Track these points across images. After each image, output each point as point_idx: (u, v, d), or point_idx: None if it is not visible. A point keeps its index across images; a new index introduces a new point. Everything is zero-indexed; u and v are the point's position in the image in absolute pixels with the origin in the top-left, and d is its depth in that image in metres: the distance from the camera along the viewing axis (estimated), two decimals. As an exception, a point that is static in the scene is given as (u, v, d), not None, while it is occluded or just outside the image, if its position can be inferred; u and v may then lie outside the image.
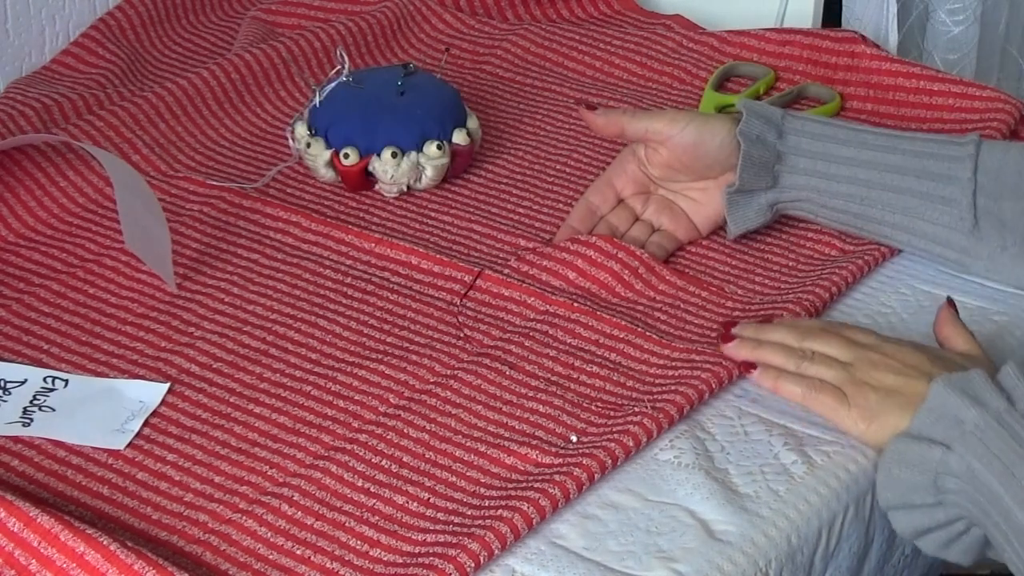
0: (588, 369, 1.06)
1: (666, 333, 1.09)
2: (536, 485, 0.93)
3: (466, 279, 1.15)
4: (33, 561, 0.85)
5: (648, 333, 1.09)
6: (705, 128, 1.17)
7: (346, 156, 1.27)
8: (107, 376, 1.05)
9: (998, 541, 0.91)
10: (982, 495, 0.91)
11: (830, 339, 1.03)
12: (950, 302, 1.06)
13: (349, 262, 1.18)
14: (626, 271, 1.15)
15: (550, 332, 1.09)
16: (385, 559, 0.89)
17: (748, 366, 1.03)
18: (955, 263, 1.16)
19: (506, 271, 1.16)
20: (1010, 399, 0.94)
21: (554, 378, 1.05)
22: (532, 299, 1.13)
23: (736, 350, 1.05)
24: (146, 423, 1.01)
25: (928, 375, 0.97)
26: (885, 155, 1.15)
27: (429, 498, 0.94)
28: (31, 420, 1.00)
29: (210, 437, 0.99)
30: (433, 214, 1.26)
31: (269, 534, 0.91)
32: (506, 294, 1.14)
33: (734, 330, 1.06)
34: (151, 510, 0.93)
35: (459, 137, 1.29)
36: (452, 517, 0.92)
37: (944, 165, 1.14)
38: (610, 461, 0.96)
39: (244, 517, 0.92)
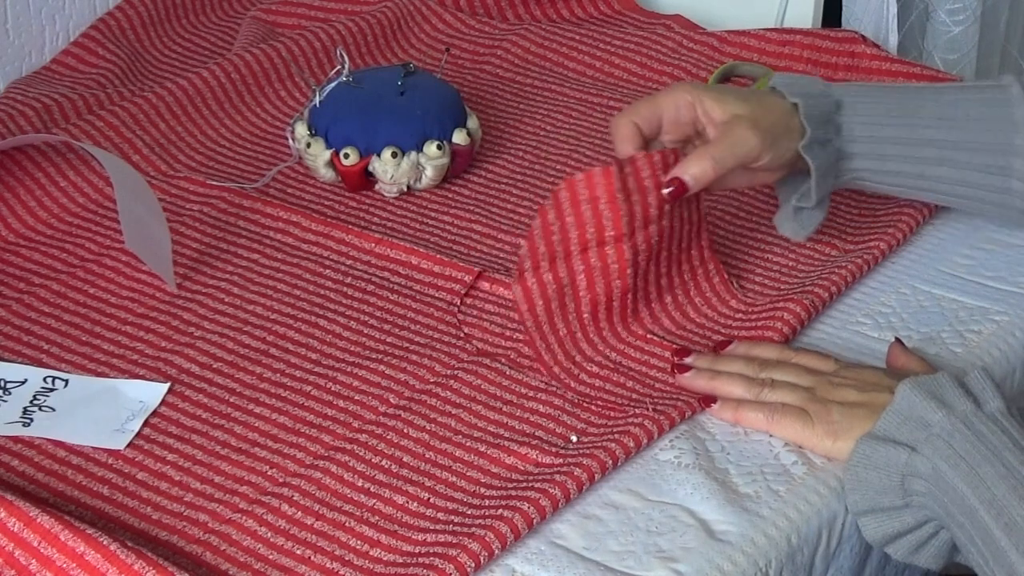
0: (588, 369, 1.06)
1: (667, 333, 1.09)
2: (536, 485, 0.93)
3: (466, 279, 1.15)
4: (33, 561, 0.85)
5: (649, 335, 1.09)
6: (777, 146, 1.10)
7: (346, 156, 1.27)
8: (107, 376, 1.05)
9: (963, 542, 0.91)
10: (948, 497, 0.91)
11: (787, 369, 1.02)
12: (898, 341, 1.07)
13: (349, 262, 1.18)
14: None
15: (550, 332, 1.09)
16: (385, 559, 0.89)
17: (708, 400, 1.02)
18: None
19: (510, 272, 1.16)
20: (977, 401, 0.94)
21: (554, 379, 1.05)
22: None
23: (692, 381, 1.03)
24: (146, 423, 1.01)
25: (890, 388, 0.97)
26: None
27: (429, 498, 0.94)
28: (31, 420, 1.00)
29: (210, 437, 0.99)
30: (433, 214, 1.26)
31: (269, 534, 0.91)
32: (506, 294, 1.14)
33: (688, 360, 1.05)
34: (151, 510, 0.93)
35: (459, 137, 1.29)
36: (452, 517, 0.92)
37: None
38: (610, 461, 0.96)
39: (244, 517, 0.92)
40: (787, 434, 1.00)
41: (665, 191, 1.06)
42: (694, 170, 1.06)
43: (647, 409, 1.00)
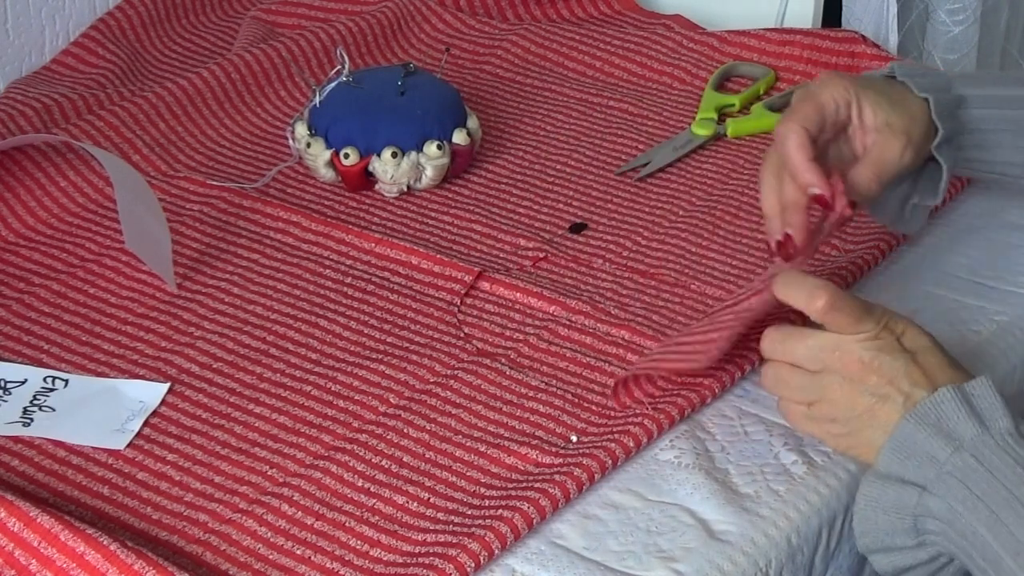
0: (590, 363, 1.06)
1: (666, 333, 1.09)
2: (536, 485, 0.93)
3: (466, 279, 1.15)
4: (33, 561, 0.85)
5: (650, 332, 1.09)
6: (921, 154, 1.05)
7: (346, 156, 1.27)
8: (107, 376, 1.05)
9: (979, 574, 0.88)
10: (966, 539, 0.87)
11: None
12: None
13: (349, 262, 1.18)
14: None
15: (550, 332, 1.09)
16: (385, 559, 0.89)
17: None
18: None
19: (510, 272, 1.16)
20: (983, 422, 0.88)
21: (554, 378, 1.05)
22: (532, 299, 1.13)
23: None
24: (146, 423, 1.01)
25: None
26: None
27: (429, 498, 0.94)
28: (31, 420, 1.00)
29: (210, 437, 0.99)
30: (433, 214, 1.26)
31: (269, 534, 0.91)
32: (506, 294, 1.14)
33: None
34: (151, 510, 0.93)
35: (459, 137, 1.29)
36: (452, 517, 0.92)
37: None
38: (610, 461, 0.96)
39: (244, 517, 0.92)
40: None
41: (844, 212, 1.00)
42: (863, 190, 1.02)
43: (647, 409, 1.00)
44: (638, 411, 1.00)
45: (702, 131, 1.36)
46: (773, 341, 0.95)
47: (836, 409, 0.93)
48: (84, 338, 1.09)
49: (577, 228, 1.23)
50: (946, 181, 1.08)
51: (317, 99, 1.30)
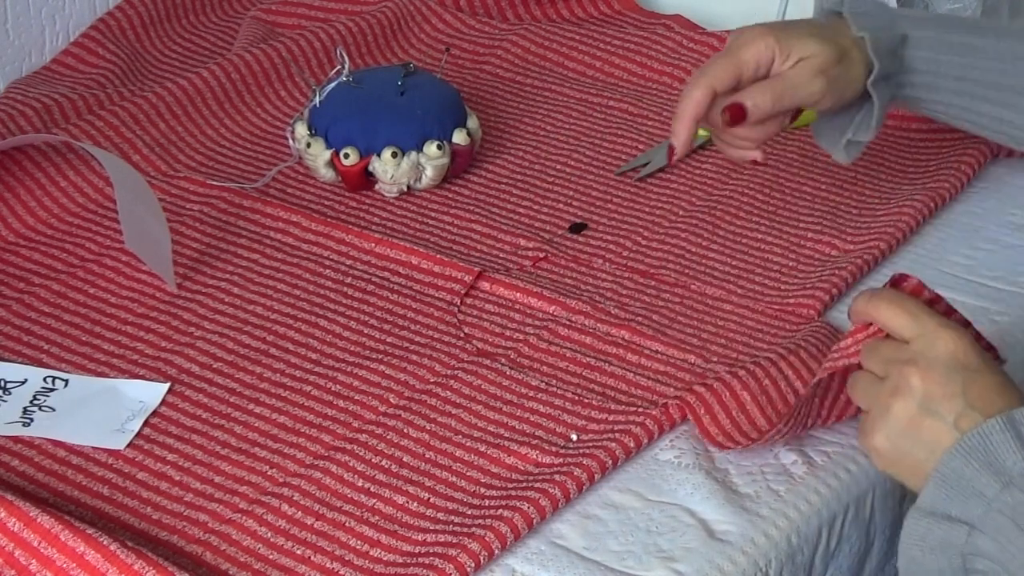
0: (590, 363, 1.06)
1: (666, 333, 1.09)
2: (536, 485, 0.93)
3: (466, 279, 1.15)
4: (33, 561, 0.85)
5: (650, 332, 1.09)
6: (838, 90, 1.10)
7: (346, 156, 1.27)
8: (107, 376, 1.05)
9: None
10: None
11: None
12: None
13: (349, 262, 1.18)
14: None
15: (550, 332, 1.09)
16: (385, 559, 0.89)
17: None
18: None
19: (510, 272, 1.16)
20: None
21: (554, 378, 1.05)
22: (532, 299, 1.13)
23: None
24: (146, 423, 1.01)
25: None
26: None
27: (429, 498, 0.94)
28: (31, 420, 1.00)
29: (210, 437, 0.99)
30: (433, 214, 1.26)
31: (269, 534, 0.91)
32: (506, 294, 1.14)
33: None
34: (151, 510, 0.93)
35: (459, 137, 1.29)
36: (452, 517, 0.92)
37: None
38: (610, 461, 0.96)
39: (244, 517, 0.92)
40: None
41: (724, 115, 1.07)
42: (757, 99, 1.08)
43: (647, 408, 1.00)
44: (640, 411, 1.00)
45: (702, 131, 1.35)
46: (865, 347, 0.91)
47: (884, 420, 0.88)
48: (84, 338, 1.09)
49: (577, 228, 1.23)
50: (878, 117, 1.12)
51: (317, 99, 1.30)
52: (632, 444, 0.97)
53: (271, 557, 0.90)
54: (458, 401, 1.02)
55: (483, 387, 1.04)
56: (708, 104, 1.08)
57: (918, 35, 1.12)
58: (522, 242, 1.21)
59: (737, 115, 1.08)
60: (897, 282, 0.91)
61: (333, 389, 1.04)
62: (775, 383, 1.01)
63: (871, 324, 0.90)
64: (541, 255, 1.19)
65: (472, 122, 1.32)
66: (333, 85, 1.31)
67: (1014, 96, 1.13)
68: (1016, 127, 1.14)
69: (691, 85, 1.09)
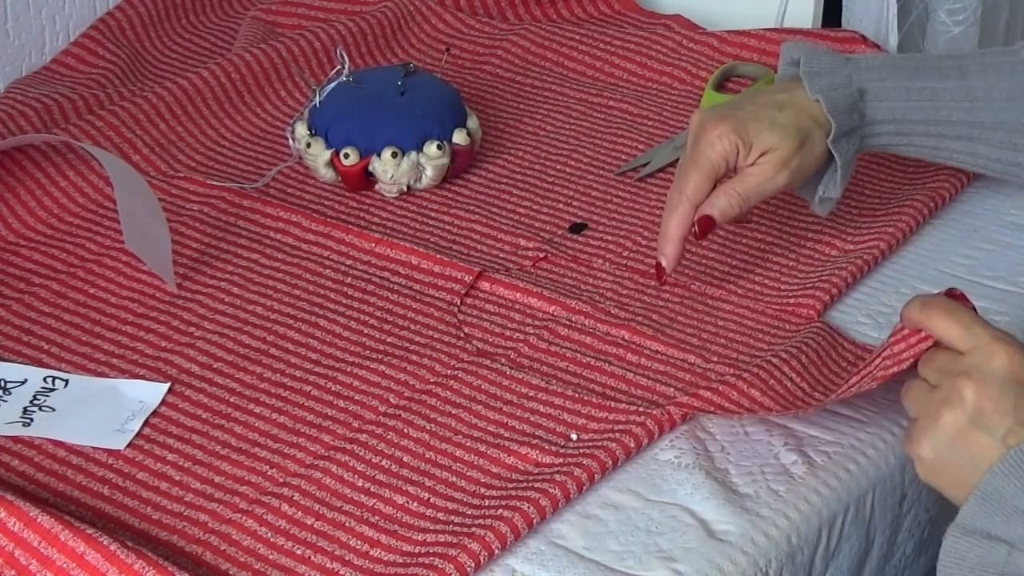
0: (590, 363, 1.06)
1: (666, 333, 1.09)
2: (536, 485, 0.93)
3: (466, 279, 1.15)
4: (33, 561, 0.85)
5: (650, 332, 1.09)
6: (802, 170, 1.12)
7: (346, 156, 1.27)
8: (107, 376, 1.05)
9: None
10: None
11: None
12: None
13: (349, 262, 1.18)
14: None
15: (550, 332, 1.09)
16: (385, 559, 0.89)
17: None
18: None
19: (510, 272, 1.16)
20: None
21: (554, 378, 1.05)
22: (532, 299, 1.13)
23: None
24: (146, 423, 1.01)
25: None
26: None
27: (429, 498, 0.94)
28: (31, 420, 1.00)
29: (210, 437, 0.99)
30: (433, 214, 1.26)
31: (269, 534, 0.91)
32: (506, 294, 1.14)
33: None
34: (151, 510, 0.93)
35: (459, 137, 1.29)
36: (452, 517, 0.92)
37: None
38: (610, 461, 0.96)
39: (244, 517, 0.92)
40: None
41: (693, 229, 1.10)
42: (723, 207, 1.10)
43: (648, 408, 1.00)
44: (641, 411, 1.00)
45: None
46: (922, 359, 0.91)
47: (932, 429, 0.87)
48: (84, 338, 1.09)
49: (577, 228, 1.23)
50: (842, 176, 1.13)
51: (317, 99, 1.30)
52: (632, 444, 0.97)
53: (271, 557, 0.90)
54: (458, 401, 1.02)
55: (483, 387, 1.04)
56: (692, 218, 1.11)
57: (878, 87, 1.14)
58: (522, 242, 1.21)
59: (707, 226, 1.10)
60: (948, 295, 0.92)
61: (333, 389, 1.04)
62: (780, 383, 1.01)
63: (921, 331, 0.90)
64: (541, 255, 1.19)
65: (472, 122, 1.32)
66: (333, 85, 1.31)
67: (984, 131, 1.15)
68: (989, 159, 1.16)
69: (673, 203, 1.11)
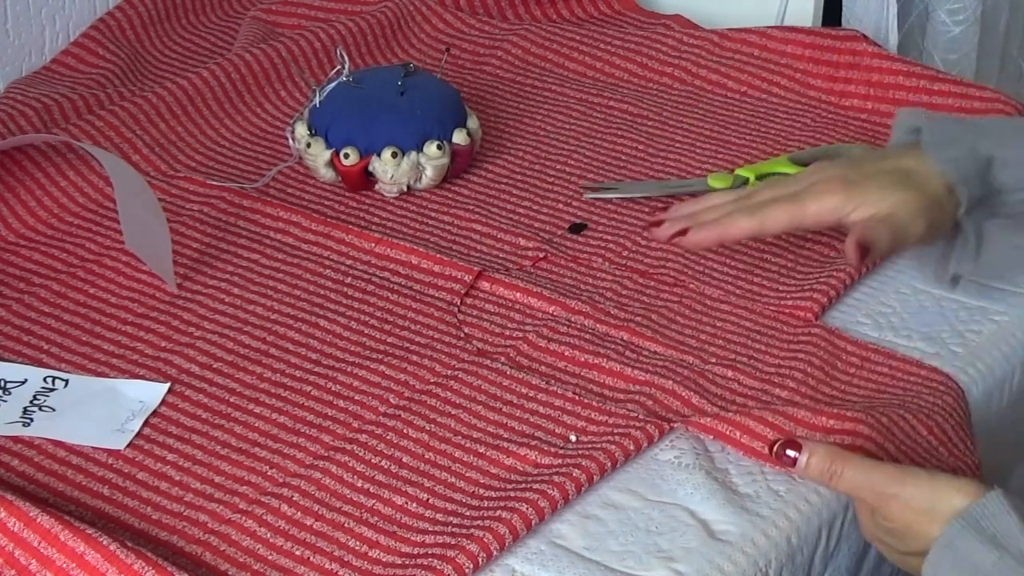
0: (590, 362, 1.06)
1: (664, 334, 1.09)
2: (535, 486, 0.93)
3: (466, 279, 1.15)
4: (33, 561, 0.85)
5: (649, 333, 1.09)
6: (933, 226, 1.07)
7: (346, 156, 1.27)
8: (107, 376, 1.05)
9: None
10: None
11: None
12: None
13: (349, 262, 1.18)
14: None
15: (550, 332, 1.09)
16: (384, 560, 0.89)
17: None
18: None
19: (510, 272, 1.16)
20: (999, 545, 0.86)
21: (553, 378, 1.05)
22: (532, 299, 1.13)
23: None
24: (146, 423, 1.01)
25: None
26: None
27: (428, 499, 0.94)
28: (31, 420, 1.00)
29: (210, 437, 0.99)
30: (433, 214, 1.26)
31: (269, 534, 0.91)
32: (506, 294, 1.14)
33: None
34: (151, 510, 0.93)
35: (459, 137, 1.29)
36: (451, 518, 0.92)
37: None
38: (609, 463, 0.96)
39: (244, 517, 0.92)
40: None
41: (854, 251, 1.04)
42: (882, 237, 1.05)
43: (645, 414, 1.00)
44: (641, 417, 1.00)
45: (718, 183, 1.28)
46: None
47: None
48: (84, 338, 1.09)
49: (577, 228, 1.23)
50: (975, 248, 1.07)
51: (317, 99, 1.30)
52: (631, 447, 0.97)
53: (270, 557, 0.90)
54: (458, 401, 1.02)
55: (483, 387, 1.04)
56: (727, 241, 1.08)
57: (1005, 154, 1.08)
58: (522, 242, 1.21)
59: (864, 253, 1.04)
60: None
61: (333, 389, 1.04)
62: (785, 416, 1.00)
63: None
64: (541, 255, 1.19)
65: (472, 122, 1.32)
66: (333, 85, 1.31)
67: None
68: None
69: (742, 214, 1.06)
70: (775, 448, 0.91)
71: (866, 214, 1.04)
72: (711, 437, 0.99)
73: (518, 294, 1.13)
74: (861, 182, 1.04)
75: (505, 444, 0.98)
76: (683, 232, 1.03)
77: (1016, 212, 1.10)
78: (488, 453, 0.97)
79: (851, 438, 0.97)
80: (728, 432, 0.98)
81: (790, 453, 0.91)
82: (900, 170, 1.06)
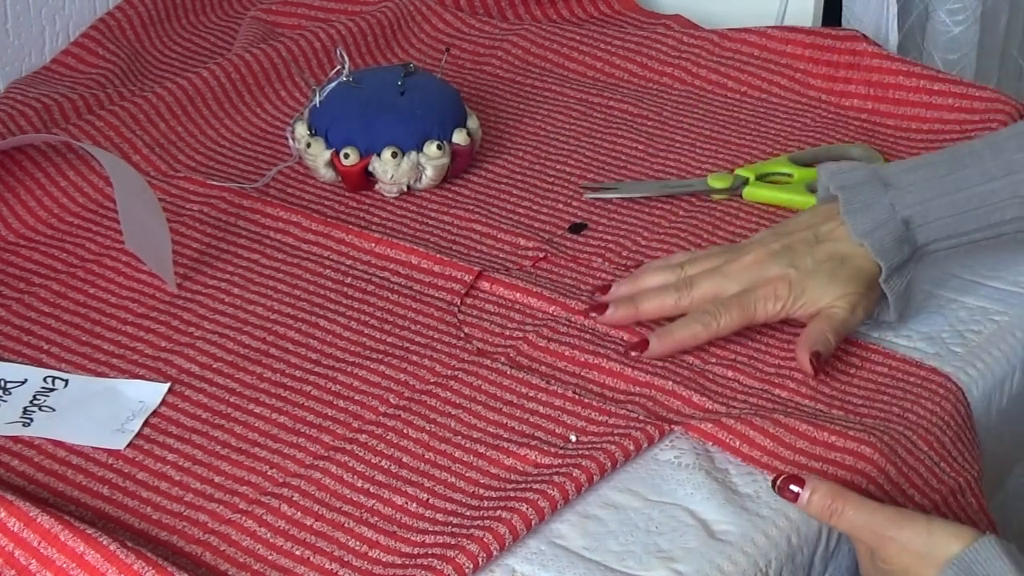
0: (590, 362, 1.06)
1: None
2: (535, 487, 0.93)
3: (466, 279, 1.15)
4: (33, 561, 0.85)
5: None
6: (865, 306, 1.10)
7: (346, 156, 1.27)
8: (107, 376, 1.05)
9: None
10: None
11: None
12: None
13: (349, 262, 1.18)
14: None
15: (550, 332, 1.09)
16: (384, 560, 0.89)
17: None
18: None
19: (510, 272, 1.16)
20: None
21: (553, 378, 1.05)
22: (532, 299, 1.13)
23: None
24: (146, 423, 1.01)
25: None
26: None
27: (428, 499, 0.94)
28: (31, 420, 1.00)
29: (210, 437, 0.99)
30: (433, 214, 1.26)
31: (269, 534, 0.91)
32: (506, 294, 1.14)
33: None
34: (151, 510, 0.93)
35: (459, 137, 1.29)
36: (451, 518, 0.92)
37: None
38: (609, 463, 0.96)
39: (244, 517, 0.92)
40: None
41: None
42: (826, 343, 1.06)
43: (645, 415, 1.00)
44: (640, 418, 1.00)
45: (718, 183, 1.28)
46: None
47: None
48: (84, 338, 1.09)
49: (577, 228, 1.23)
50: (895, 305, 1.09)
51: (317, 99, 1.30)
52: (632, 447, 0.97)
53: (270, 558, 0.90)
54: (458, 402, 1.02)
55: (483, 387, 1.04)
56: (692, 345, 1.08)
57: (923, 212, 1.09)
58: (522, 242, 1.21)
59: (817, 365, 1.06)
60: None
61: (333, 389, 1.04)
62: (786, 427, 1.00)
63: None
64: (541, 255, 1.19)
65: (472, 122, 1.32)
66: (333, 85, 1.31)
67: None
68: None
69: (698, 324, 1.07)
70: (778, 482, 0.93)
71: (811, 311, 1.08)
72: (711, 443, 0.99)
73: (518, 294, 1.13)
74: (801, 281, 1.08)
75: (505, 444, 0.98)
76: (643, 345, 1.06)
77: (944, 256, 1.13)
78: (488, 453, 0.97)
79: (853, 459, 0.97)
80: (728, 440, 0.98)
81: (793, 488, 0.93)
82: (835, 258, 1.09)
